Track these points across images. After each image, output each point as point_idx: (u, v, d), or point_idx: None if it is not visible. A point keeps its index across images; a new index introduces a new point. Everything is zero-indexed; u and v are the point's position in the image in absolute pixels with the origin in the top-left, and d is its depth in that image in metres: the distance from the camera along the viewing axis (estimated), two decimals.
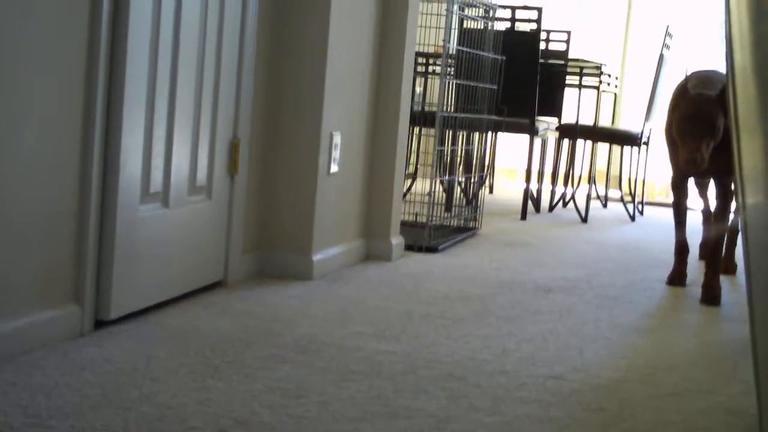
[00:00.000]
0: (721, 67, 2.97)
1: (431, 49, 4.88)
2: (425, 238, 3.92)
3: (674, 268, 3.57)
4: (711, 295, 3.25)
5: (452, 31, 4.07)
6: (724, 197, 3.38)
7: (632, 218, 5.67)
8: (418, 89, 5.63)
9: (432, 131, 4.13)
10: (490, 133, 5.62)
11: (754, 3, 1.49)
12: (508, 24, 5.47)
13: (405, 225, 4.02)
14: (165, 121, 2.50)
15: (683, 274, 3.56)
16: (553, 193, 5.93)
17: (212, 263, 2.83)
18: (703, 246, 3.94)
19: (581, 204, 5.64)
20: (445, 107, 4.05)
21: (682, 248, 3.54)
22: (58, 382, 1.90)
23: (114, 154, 2.29)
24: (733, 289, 3.59)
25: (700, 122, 3.14)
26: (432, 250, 3.90)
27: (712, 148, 3.15)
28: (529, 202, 5.46)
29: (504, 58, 4.72)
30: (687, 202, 3.54)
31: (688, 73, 3.37)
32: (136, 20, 2.30)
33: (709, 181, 3.78)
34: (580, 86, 5.52)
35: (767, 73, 1.45)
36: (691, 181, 3.57)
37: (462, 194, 5.05)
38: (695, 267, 3.88)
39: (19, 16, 1.95)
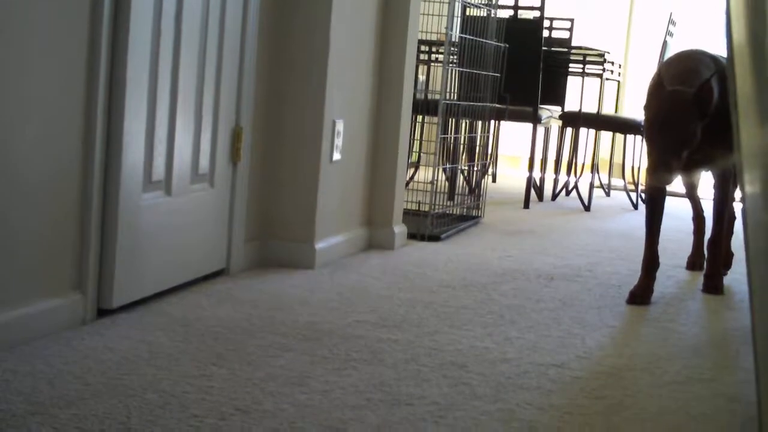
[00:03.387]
0: (721, 51, 2.71)
1: (434, 37, 4.87)
2: (428, 226, 3.92)
3: (639, 283, 3.05)
4: (713, 285, 3.24)
5: (455, 18, 4.07)
6: (720, 188, 3.19)
7: (635, 206, 5.67)
8: (421, 77, 5.62)
9: (435, 119, 4.12)
10: (492, 121, 5.61)
11: None
12: (511, 11, 5.46)
13: (408, 213, 4.02)
14: (167, 108, 2.50)
15: (649, 289, 3.03)
16: (556, 181, 5.92)
17: (215, 252, 2.83)
18: (693, 254, 3.65)
19: (584, 192, 5.63)
20: (447, 95, 4.05)
21: (651, 263, 3.05)
22: (60, 370, 1.91)
23: (116, 142, 2.29)
24: (736, 277, 3.58)
25: (671, 127, 2.76)
26: (435, 238, 3.90)
27: (685, 156, 2.78)
28: (532, 191, 5.45)
29: (507, 45, 4.71)
30: (662, 210, 3.08)
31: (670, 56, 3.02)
32: (139, 6, 2.30)
33: (698, 180, 3.54)
34: (583, 74, 5.51)
35: (761, 49, 1.44)
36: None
37: (465, 182, 5.05)
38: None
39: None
